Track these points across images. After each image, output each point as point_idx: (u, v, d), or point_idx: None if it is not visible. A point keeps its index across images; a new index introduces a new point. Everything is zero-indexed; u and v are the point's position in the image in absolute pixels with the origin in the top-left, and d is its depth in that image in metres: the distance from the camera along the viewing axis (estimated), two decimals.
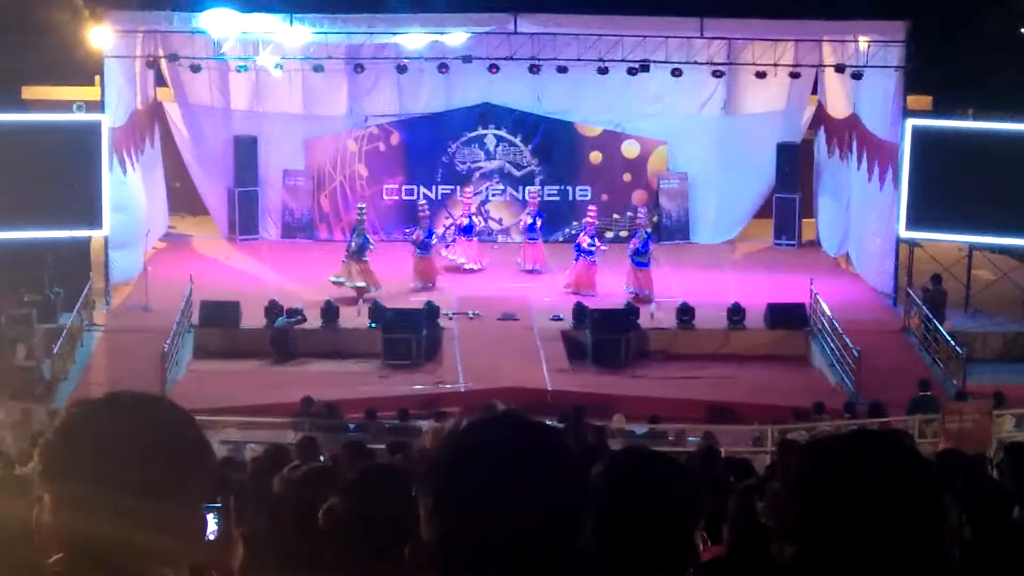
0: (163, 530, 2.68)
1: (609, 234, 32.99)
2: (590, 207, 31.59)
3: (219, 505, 4.63)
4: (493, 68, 31.46)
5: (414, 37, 30.72)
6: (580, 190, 34.33)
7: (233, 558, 4.66)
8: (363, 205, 31.49)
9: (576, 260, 29.97)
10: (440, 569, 2.51)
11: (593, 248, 29.75)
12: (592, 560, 2.83)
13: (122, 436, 2.69)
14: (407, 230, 31.88)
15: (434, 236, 30.68)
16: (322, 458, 12.13)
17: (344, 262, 29.42)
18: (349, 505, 4.04)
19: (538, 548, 2.49)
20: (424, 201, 32.55)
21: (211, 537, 2.75)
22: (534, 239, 31.94)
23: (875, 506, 2.54)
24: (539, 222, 31.89)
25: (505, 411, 2.68)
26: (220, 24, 29.79)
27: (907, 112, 29.49)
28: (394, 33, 30.81)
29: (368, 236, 29.74)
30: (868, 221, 31.40)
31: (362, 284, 28.99)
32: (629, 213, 33.92)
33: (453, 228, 32.52)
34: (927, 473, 2.64)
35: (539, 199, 33.09)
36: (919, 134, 28.71)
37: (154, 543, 2.67)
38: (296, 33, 30.31)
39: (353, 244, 29.44)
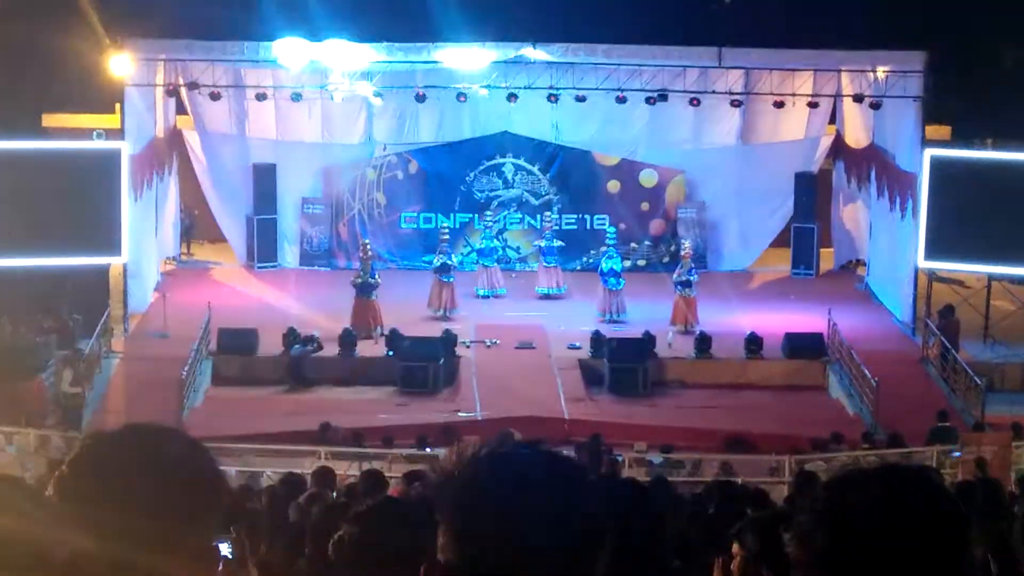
0: (175, 561, 2.69)
1: (627, 263, 32.91)
2: (685, 245, 31.28)
3: (233, 536, 4.65)
4: (512, 97, 31.53)
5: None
6: (598, 219, 34.30)
7: None
8: (367, 241, 31.43)
9: (676, 293, 29.73)
10: None
11: (689, 281, 29.60)
12: None
13: (135, 468, 2.70)
14: (426, 259, 31.88)
15: (453, 258, 30.47)
16: (334, 492, 12.16)
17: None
18: (358, 535, 4.05)
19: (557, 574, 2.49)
20: (446, 226, 32.50)
21: (222, 566, 2.76)
22: (550, 263, 31.95)
23: (901, 541, 2.53)
24: (556, 243, 31.99)
25: (524, 440, 2.68)
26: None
27: (926, 142, 29.43)
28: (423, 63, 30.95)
29: (373, 275, 29.36)
30: (887, 251, 31.35)
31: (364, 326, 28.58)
32: (647, 243, 34.04)
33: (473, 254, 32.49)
34: (953, 509, 2.63)
35: (552, 225, 33.08)
36: (938, 164, 28.62)
37: (170, 571, 2.68)
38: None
39: (358, 281, 29.25)
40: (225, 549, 8.06)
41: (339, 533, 4.32)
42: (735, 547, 6.43)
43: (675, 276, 29.78)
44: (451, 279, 30.51)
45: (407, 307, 29.91)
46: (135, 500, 2.66)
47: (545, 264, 32.10)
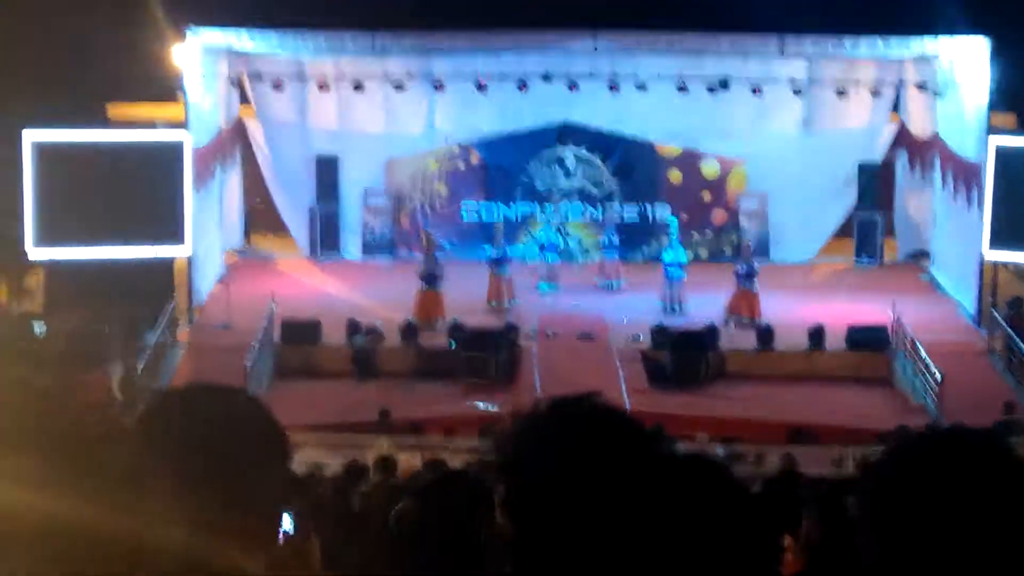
0: (240, 519, 2.70)
1: (689, 254, 32.82)
2: (746, 238, 31.12)
3: (296, 510, 4.67)
4: (572, 86, 31.51)
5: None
6: (660, 209, 34.20)
7: (311, 560, 4.69)
8: (429, 231, 31.53)
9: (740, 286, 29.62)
10: (516, 559, 2.50)
11: (751, 273, 29.48)
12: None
13: (200, 424, 2.74)
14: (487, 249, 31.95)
15: (439, 268, 29.51)
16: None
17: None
18: (420, 508, 4.05)
19: (617, 539, 2.47)
20: (501, 221, 32.48)
21: (284, 534, 2.78)
22: (612, 255, 31.90)
23: (967, 503, 2.50)
24: (615, 239, 31.96)
25: (582, 400, 2.64)
26: None
27: (990, 130, 29.13)
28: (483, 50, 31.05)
29: (438, 264, 29.34)
30: (952, 241, 31.10)
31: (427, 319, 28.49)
32: (710, 234, 34.01)
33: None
34: (1021, 472, 2.59)
35: (615, 217, 33.04)
36: (1003, 153, 28.37)
37: (232, 532, 2.69)
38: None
39: (424, 272, 29.18)
40: (287, 523, 8.09)
41: (399, 506, 4.33)
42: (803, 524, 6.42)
43: (736, 268, 29.66)
44: (507, 272, 30.48)
45: (469, 298, 29.92)
46: (202, 454, 2.68)
47: (607, 258, 32.03)
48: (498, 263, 30.31)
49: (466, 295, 29.80)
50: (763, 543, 3.65)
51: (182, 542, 2.61)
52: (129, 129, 30.20)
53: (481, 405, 24.93)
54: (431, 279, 28.93)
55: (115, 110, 32.66)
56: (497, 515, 2.53)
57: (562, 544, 2.47)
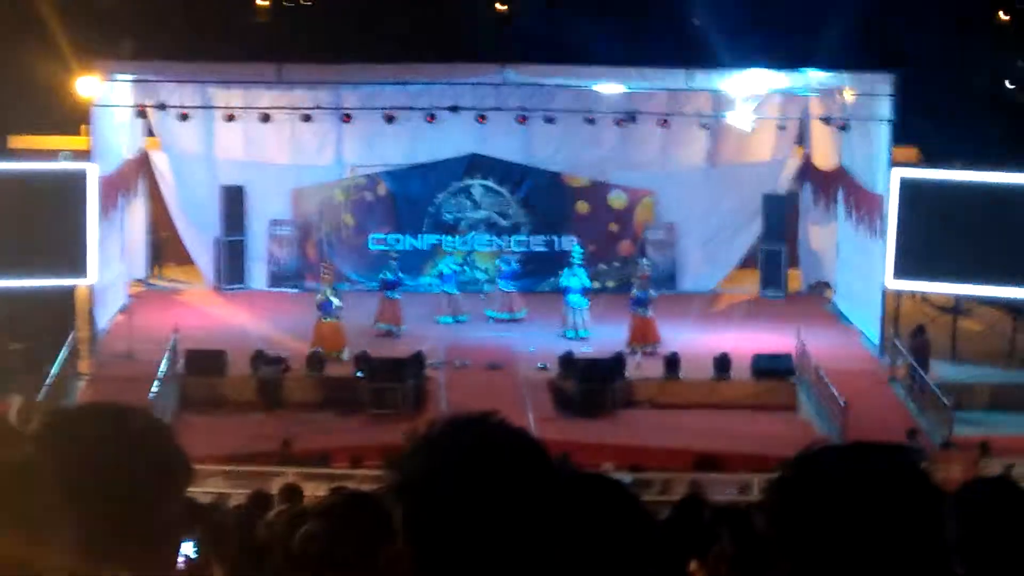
0: (135, 543, 2.65)
1: (597, 284, 32.98)
2: (644, 266, 31.27)
3: (197, 536, 4.62)
4: (480, 118, 31.60)
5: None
6: (567, 240, 34.29)
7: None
8: (327, 262, 31.56)
9: (633, 313, 29.82)
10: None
11: (645, 301, 29.62)
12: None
13: (96, 443, 2.67)
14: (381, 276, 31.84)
15: (337, 298, 29.41)
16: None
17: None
18: (324, 529, 4.01)
19: (517, 557, 2.44)
20: (394, 250, 32.51)
21: (186, 559, 2.73)
22: (507, 288, 31.96)
23: (873, 515, 2.50)
24: (513, 267, 32.19)
25: (475, 415, 2.61)
26: None
27: (893, 163, 29.50)
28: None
29: (332, 299, 29.15)
30: (855, 272, 31.44)
31: (320, 349, 28.31)
32: (616, 264, 34.16)
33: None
34: (925, 483, 2.60)
35: (510, 250, 33.18)
36: (906, 185, 28.74)
37: (125, 556, 2.64)
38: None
39: (318, 300, 29.10)
40: (188, 548, 7.98)
41: (303, 529, 4.29)
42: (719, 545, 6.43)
43: (631, 296, 29.89)
44: (395, 295, 30.62)
45: (374, 328, 29.99)
46: (98, 472, 2.63)
47: (501, 289, 32.05)
48: (388, 286, 30.46)
49: (371, 325, 29.83)
50: (666, 562, 3.64)
51: (69, 567, 2.56)
52: (31, 161, 29.86)
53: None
54: (327, 309, 28.82)
55: (17, 141, 32.31)
56: (396, 538, 2.50)
57: (461, 566, 2.44)
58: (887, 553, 2.50)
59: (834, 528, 2.51)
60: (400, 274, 31.15)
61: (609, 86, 31.16)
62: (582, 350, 28.39)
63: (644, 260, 32.08)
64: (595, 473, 4.16)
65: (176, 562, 2.92)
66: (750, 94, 31.39)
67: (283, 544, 6.32)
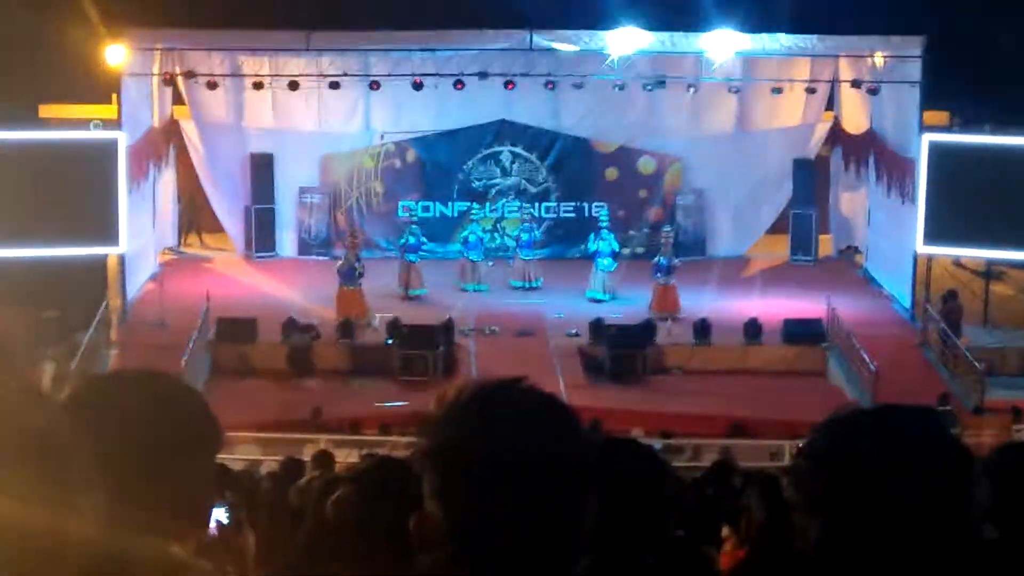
0: (167, 507, 2.66)
1: (626, 251, 32.98)
2: (666, 232, 31.30)
3: (229, 501, 4.66)
4: (509, 84, 31.52)
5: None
6: (596, 206, 34.23)
7: (245, 554, 4.65)
8: (355, 229, 31.66)
9: (655, 280, 29.88)
10: (446, 546, 2.47)
11: (669, 267, 29.67)
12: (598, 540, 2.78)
13: (128, 408, 2.68)
14: (425, 248, 31.83)
15: (359, 266, 29.46)
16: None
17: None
18: (357, 494, 4.02)
19: (548, 526, 2.44)
20: (409, 213, 32.63)
21: (217, 524, 2.76)
22: (526, 256, 32.00)
23: (903, 481, 2.49)
24: (533, 235, 32.29)
25: (508, 380, 2.61)
26: None
27: (924, 127, 29.37)
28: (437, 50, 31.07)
29: (355, 266, 29.20)
30: (886, 237, 31.34)
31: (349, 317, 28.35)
32: (646, 230, 34.10)
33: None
34: (956, 446, 2.59)
35: (531, 218, 33.13)
36: (936, 149, 28.60)
37: (157, 521, 2.65)
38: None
39: (340, 268, 29.24)
40: (221, 514, 8.01)
41: (336, 494, 4.30)
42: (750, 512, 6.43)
43: (654, 262, 29.91)
44: (415, 259, 30.85)
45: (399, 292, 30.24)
46: (129, 437, 2.64)
47: (522, 258, 32.06)
48: (408, 249, 30.77)
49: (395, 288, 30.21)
50: (697, 525, 3.65)
51: (101, 530, 2.56)
52: (62, 130, 29.94)
53: (388, 404, 24.83)
54: (349, 277, 28.88)
55: (47, 110, 32.40)
56: (426, 503, 2.49)
57: (491, 532, 2.44)
58: (917, 517, 2.49)
59: (863, 493, 2.50)
60: (422, 238, 31.28)
61: (629, 42, 30.74)
62: (612, 316, 28.36)
63: (666, 227, 32.02)
64: (625, 438, 4.17)
65: (208, 526, 2.93)
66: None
67: (316, 509, 6.35)
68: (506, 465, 2.41)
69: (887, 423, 2.59)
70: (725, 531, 7.03)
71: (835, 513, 2.52)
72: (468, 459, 2.43)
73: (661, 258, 29.80)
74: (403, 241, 31.34)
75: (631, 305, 29.57)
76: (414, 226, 31.51)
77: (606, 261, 30.58)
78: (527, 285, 31.52)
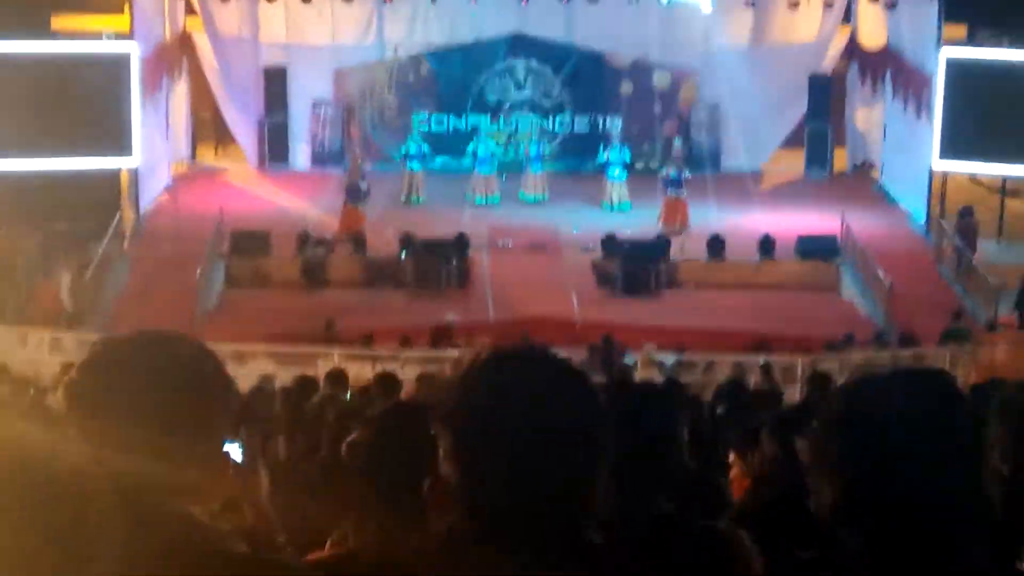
0: (188, 464, 2.69)
1: (640, 165, 32.93)
2: (676, 146, 31.24)
3: (243, 438, 4.70)
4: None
5: None
6: (611, 121, 34.11)
7: (260, 488, 4.68)
8: (356, 150, 31.68)
9: (666, 194, 29.95)
10: (461, 507, 2.50)
11: (679, 180, 29.68)
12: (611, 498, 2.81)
13: (145, 371, 2.71)
14: (438, 161, 31.85)
15: (364, 184, 29.67)
16: (347, 394, 12.21)
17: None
18: (372, 440, 4.04)
19: (561, 489, 2.47)
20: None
21: (233, 465, 2.80)
22: (536, 170, 31.96)
23: (915, 445, 2.51)
24: (545, 151, 32.42)
25: (525, 346, 2.65)
26: None
27: (941, 41, 29.15)
28: None
29: (360, 184, 29.38)
30: (902, 152, 31.21)
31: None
32: (659, 145, 33.99)
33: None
34: (968, 412, 2.61)
35: (540, 132, 33.03)
36: (953, 64, 28.41)
37: (180, 478, 2.68)
38: None
39: (347, 185, 29.34)
40: (235, 453, 8.06)
41: (351, 437, 4.32)
42: (760, 445, 6.44)
43: (664, 175, 29.90)
44: (417, 168, 31.18)
45: (417, 208, 30.13)
46: (145, 405, 2.66)
47: (532, 172, 31.99)
48: (408, 158, 31.13)
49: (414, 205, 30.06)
50: (706, 453, 3.67)
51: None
52: (74, 40, 29.80)
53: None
54: (355, 194, 28.90)
55: (59, 21, 32.22)
56: (441, 464, 2.53)
57: (506, 493, 2.48)
58: (930, 482, 2.52)
59: (878, 457, 2.53)
60: (424, 145, 31.62)
61: None
62: (625, 231, 28.31)
63: (677, 140, 31.89)
64: (640, 384, 4.20)
65: (227, 478, 2.96)
66: None
67: (331, 448, 6.40)
68: (520, 430, 2.46)
69: (901, 388, 2.61)
70: (732, 457, 7.05)
71: (849, 476, 2.55)
72: (483, 424, 2.47)
73: (671, 171, 29.77)
74: (404, 150, 31.50)
75: (645, 220, 29.53)
76: (416, 134, 31.69)
77: (616, 171, 30.60)
78: (534, 199, 31.49)
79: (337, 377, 13.14)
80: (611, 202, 30.60)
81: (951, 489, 2.51)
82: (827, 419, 2.63)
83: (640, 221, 29.49)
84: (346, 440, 4.46)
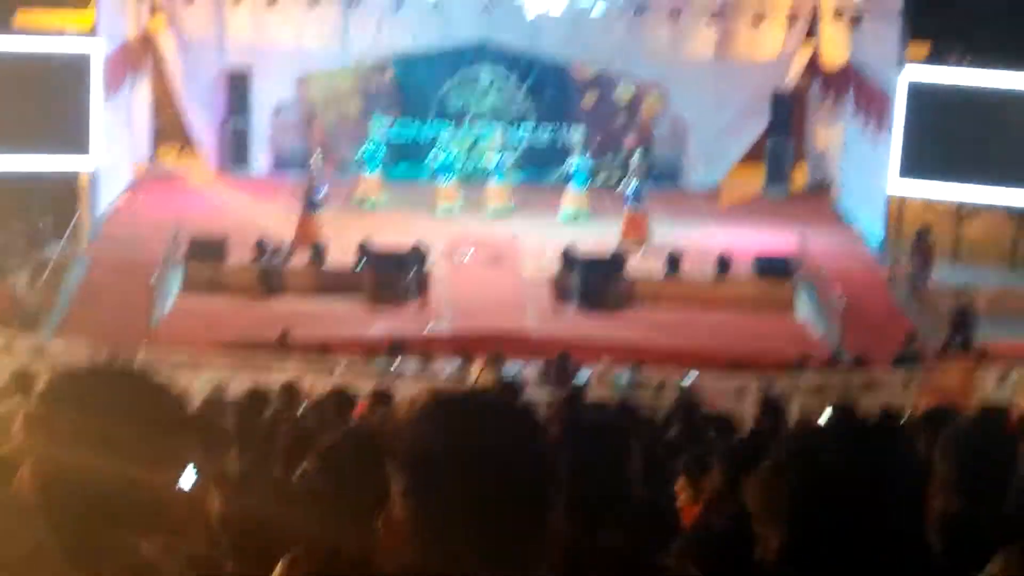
0: (141, 497, 2.71)
1: (602, 176, 33.08)
2: (636, 159, 31.31)
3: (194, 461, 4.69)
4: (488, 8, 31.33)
5: None
6: (573, 131, 34.16)
7: (210, 511, 4.71)
8: (318, 152, 31.58)
9: (626, 207, 30.05)
10: (412, 543, 2.53)
11: (638, 194, 29.78)
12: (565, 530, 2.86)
13: (104, 404, 2.73)
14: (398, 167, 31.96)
15: (322, 193, 29.80)
16: (299, 408, 12.18)
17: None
18: (324, 472, 4.05)
19: (512, 532, 2.51)
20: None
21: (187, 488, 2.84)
22: (500, 179, 32.00)
23: (862, 493, 2.55)
24: (509, 159, 32.52)
25: (473, 390, 2.71)
26: None
27: (902, 61, 29.28)
28: None
29: (319, 192, 29.50)
30: (860, 171, 31.37)
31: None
32: (621, 157, 34.05)
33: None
34: (915, 460, 2.65)
35: (504, 142, 33.09)
36: (913, 84, 28.58)
37: (131, 510, 2.70)
38: None
39: (303, 195, 29.35)
40: (188, 477, 8.03)
41: (304, 465, 4.34)
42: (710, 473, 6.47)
43: (625, 189, 30.00)
44: (371, 170, 31.73)
45: (376, 217, 30.14)
46: (101, 438, 2.68)
47: (495, 181, 32.02)
48: (362, 163, 31.57)
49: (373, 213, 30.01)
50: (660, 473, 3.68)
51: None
52: (36, 37, 29.65)
53: (431, 327, 24.98)
54: (312, 202, 29.07)
55: (23, 17, 32.06)
56: (394, 505, 2.58)
57: (457, 532, 2.53)
58: (875, 528, 2.56)
59: (823, 504, 2.57)
60: (381, 148, 32.05)
61: None
62: (584, 245, 28.34)
63: (637, 153, 31.94)
64: (592, 407, 4.22)
65: (180, 502, 2.98)
66: None
67: (283, 472, 6.39)
68: (471, 475, 2.50)
69: (848, 435, 2.66)
70: (680, 482, 7.08)
71: (795, 522, 2.59)
72: (435, 468, 2.52)
73: (632, 185, 29.86)
74: (361, 152, 31.92)
75: (605, 233, 29.56)
76: (375, 137, 32.02)
77: (577, 182, 31.19)
78: (498, 210, 31.50)
79: (290, 390, 13.12)
80: (570, 212, 30.75)
81: (894, 535, 2.56)
82: (775, 464, 2.67)
83: (599, 234, 29.53)
84: (299, 467, 4.48)
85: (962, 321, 24.94)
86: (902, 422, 11.25)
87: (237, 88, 33.71)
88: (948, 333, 24.83)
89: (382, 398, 12.57)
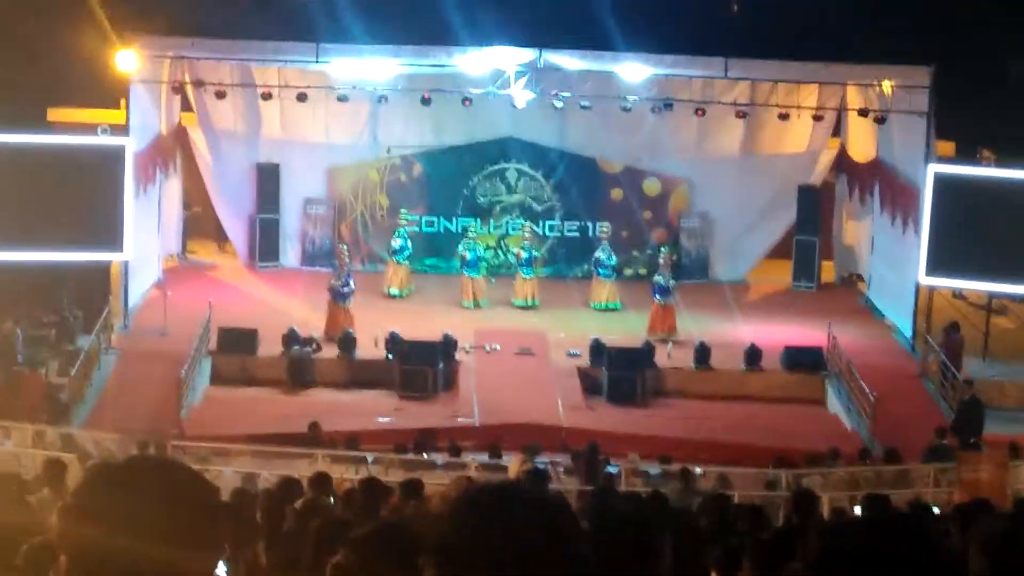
0: None
1: (629, 271, 33.14)
2: (664, 253, 31.44)
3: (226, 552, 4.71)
4: (517, 103, 31.49)
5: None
6: (600, 226, 34.24)
7: None
8: (345, 245, 31.80)
9: (654, 301, 30.08)
10: None
11: (667, 288, 29.86)
12: None
13: (140, 498, 2.74)
14: (427, 262, 32.19)
15: (351, 283, 29.65)
16: (331, 498, 12.15)
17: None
18: (356, 561, 4.05)
19: None
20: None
21: None
22: (528, 275, 32.06)
23: None
24: (535, 253, 32.61)
25: (508, 483, 2.71)
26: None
27: (929, 157, 29.37)
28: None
29: (348, 282, 29.46)
30: (889, 266, 31.36)
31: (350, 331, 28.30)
32: (648, 251, 34.13)
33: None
34: (948, 556, 2.65)
35: (532, 236, 33.15)
36: (941, 180, 28.60)
37: None
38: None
39: (335, 285, 29.37)
40: (220, 569, 8.03)
41: (336, 558, 4.34)
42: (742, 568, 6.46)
43: (653, 283, 30.04)
44: (403, 261, 32.23)
45: (405, 309, 30.14)
46: (138, 532, 2.69)
47: (523, 275, 32.12)
48: (397, 253, 31.97)
49: (401, 306, 29.99)
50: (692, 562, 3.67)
51: None
52: (69, 134, 29.98)
53: (462, 420, 24.92)
54: (341, 294, 29.08)
55: (56, 114, 32.46)
56: None
57: None
58: None
59: None
60: (407, 241, 32.29)
61: (637, 69, 30.93)
62: (612, 337, 28.35)
63: (663, 248, 32.03)
64: (627, 498, 4.22)
65: None
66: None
67: (316, 557, 6.38)
68: (502, 562, 2.49)
69: (880, 530, 2.65)
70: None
71: None
72: (470, 561, 2.51)
73: (660, 279, 29.90)
74: (391, 245, 32.32)
75: (633, 325, 29.59)
76: (401, 229, 32.24)
77: (605, 271, 31.48)
78: (527, 304, 31.58)
79: (321, 481, 13.08)
80: (601, 301, 30.88)
81: None
82: (806, 558, 2.67)
83: (627, 327, 29.56)
84: (331, 561, 4.48)
85: (968, 413, 24.81)
86: (935, 516, 11.20)
87: (267, 181, 33.97)
88: (953, 423, 24.68)
89: (412, 489, 12.54)
